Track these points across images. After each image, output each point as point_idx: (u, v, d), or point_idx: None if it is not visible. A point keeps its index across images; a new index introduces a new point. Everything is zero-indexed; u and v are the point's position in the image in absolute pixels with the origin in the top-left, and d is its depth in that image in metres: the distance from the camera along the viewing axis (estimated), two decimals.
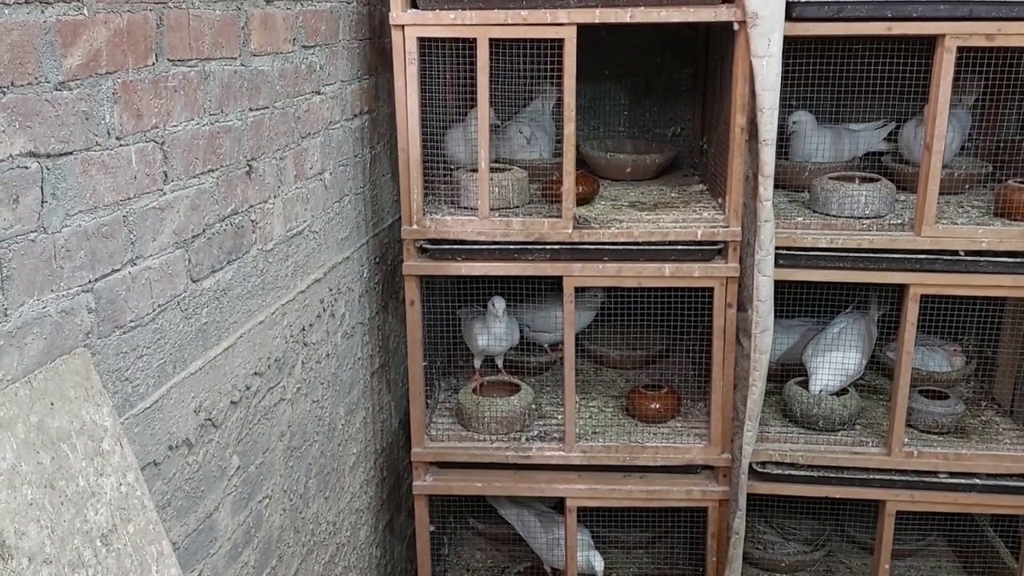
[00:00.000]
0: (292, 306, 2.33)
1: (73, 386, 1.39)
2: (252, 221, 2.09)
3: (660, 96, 3.75)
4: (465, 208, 2.88)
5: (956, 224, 2.79)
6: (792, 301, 3.21)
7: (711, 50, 3.29)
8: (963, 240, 2.74)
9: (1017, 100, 3.21)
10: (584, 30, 2.61)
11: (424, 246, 2.82)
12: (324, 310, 2.57)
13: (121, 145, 1.57)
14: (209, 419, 1.90)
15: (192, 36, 1.78)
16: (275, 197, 2.21)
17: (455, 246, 2.81)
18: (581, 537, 3.07)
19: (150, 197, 1.66)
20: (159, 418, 1.71)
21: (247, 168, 2.05)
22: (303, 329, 2.41)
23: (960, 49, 2.59)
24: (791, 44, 2.70)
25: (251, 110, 2.06)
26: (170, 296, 1.74)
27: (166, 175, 1.71)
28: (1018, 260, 2.73)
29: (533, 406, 3.08)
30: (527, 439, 3.00)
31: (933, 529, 3.46)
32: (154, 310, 1.68)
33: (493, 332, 3.08)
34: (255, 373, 2.12)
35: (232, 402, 2.00)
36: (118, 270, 1.57)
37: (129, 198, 1.60)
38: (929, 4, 2.56)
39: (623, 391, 3.32)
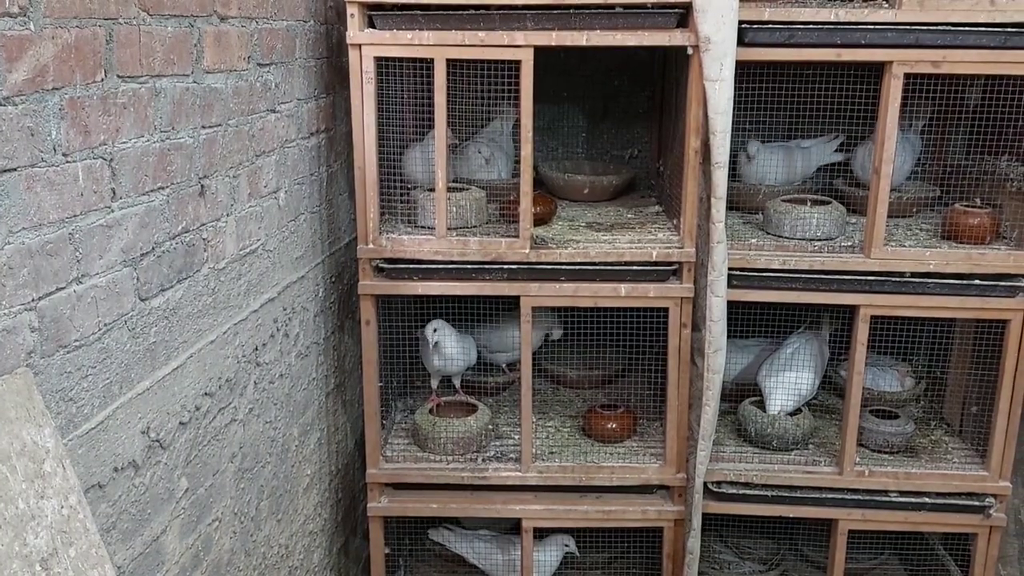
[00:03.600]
0: (244, 325, 2.31)
1: (14, 407, 1.37)
2: (204, 239, 2.07)
3: (618, 118, 3.78)
4: (422, 227, 2.88)
5: (904, 247, 2.84)
6: (746, 321, 3.25)
7: (668, 73, 3.33)
8: (911, 262, 2.80)
9: (964, 126, 3.27)
10: (542, 52, 2.63)
11: (380, 265, 2.81)
12: (278, 330, 2.55)
13: (68, 162, 1.55)
14: (157, 440, 1.87)
15: (143, 52, 1.77)
16: (228, 215, 2.20)
17: (412, 265, 2.80)
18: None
19: (97, 214, 1.64)
20: (104, 439, 1.68)
21: (199, 186, 2.03)
22: (256, 349, 2.39)
23: (908, 76, 2.65)
24: (745, 69, 2.75)
25: (204, 127, 2.04)
26: (117, 315, 1.72)
27: (114, 192, 1.69)
28: (963, 282, 2.79)
29: (490, 426, 3.07)
30: (483, 460, 2.99)
31: (885, 547, 3.49)
32: (100, 329, 1.66)
33: (447, 353, 3.07)
34: (205, 393, 2.09)
35: (181, 423, 1.98)
36: (63, 288, 1.55)
37: (75, 215, 1.58)
38: (877, 32, 2.61)
39: (580, 411, 3.32)
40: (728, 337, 2.86)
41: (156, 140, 1.83)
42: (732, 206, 3.19)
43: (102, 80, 1.64)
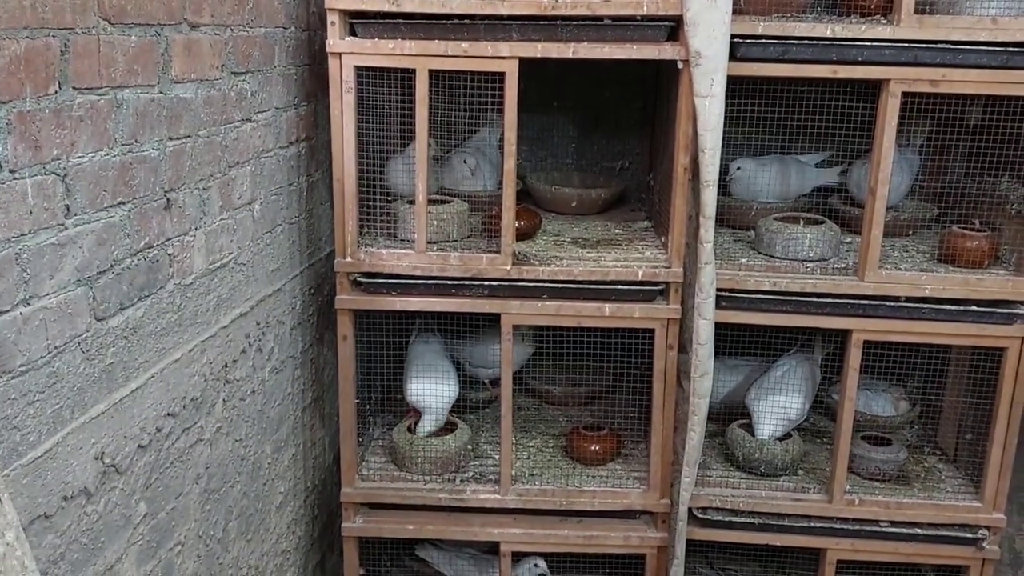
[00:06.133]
0: (213, 342, 2.23)
1: None
2: (169, 254, 1.99)
3: (609, 129, 3.70)
4: (403, 240, 2.80)
5: (900, 270, 2.76)
6: (736, 340, 3.17)
7: (661, 84, 3.25)
8: (906, 286, 2.71)
9: (963, 144, 3.19)
10: (530, 60, 2.55)
11: (358, 279, 2.73)
12: (250, 345, 2.47)
13: (15, 179, 1.47)
14: (112, 465, 1.79)
15: (103, 63, 1.69)
16: (197, 229, 2.12)
17: (390, 280, 2.72)
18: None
19: (48, 233, 1.56)
20: (52, 467, 1.60)
21: (164, 200, 1.96)
22: (225, 366, 2.31)
23: (905, 94, 2.57)
24: (737, 84, 2.67)
25: (170, 139, 1.96)
26: (69, 337, 1.64)
27: (68, 209, 1.61)
28: (960, 308, 2.71)
29: (469, 446, 2.99)
30: (462, 480, 2.91)
31: None
32: (49, 352, 1.58)
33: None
34: (168, 414, 2.01)
35: (140, 446, 1.90)
36: (7, 311, 1.47)
37: (23, 234, 1.50)
38: (874, 49, 2.53)
39: (564, 430, 3.24)
40: (717, 356, 2.79)
41: (116, 154, 1.76)
42: (723, 222, 3.11)
43: (55, 93, 1.56)
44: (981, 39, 2.53)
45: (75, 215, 1.64)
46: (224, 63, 2.21)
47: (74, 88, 1.61)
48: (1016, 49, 2.53)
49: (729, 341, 3.13)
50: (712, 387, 2.80)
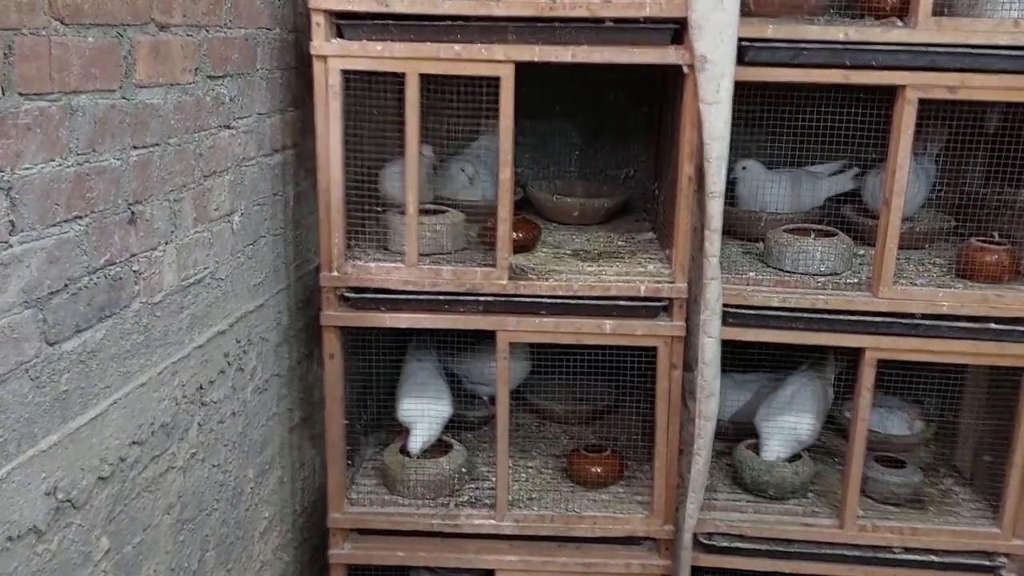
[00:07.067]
0: (186, 363, 2.10)
1: None
2: (135, 271, 1.87)
3: (613, 135, 3.56)
4: (395, 253, 2.67)
5: (915, 285, 2.62)
6: (745, 356, 3.03)
7: (667, 88, 3.11)
8: (922, 303, 2.57)
9: (982, 152, 3.04)
10: (528, 64, 2.42)
11: (346, 295, 2.60)
12: (229, 364, 2.34)
13: None
14: (67, 500, 1.67)
15: (54, 66, 1.57)
16: (167, 243, 1.99)
17: (379, 295, 2.59)
18: None
19: None
20: None
21: (129, 213, 1.83)
22: (200, 388, 2.18)
23: (922, 100, 2.43)
24: (745, 90, 2.53)
25: (135, 148, 1.84)
26: (15, 364, 1.51)
27: (13, 225, 1.49)
28: (978, 325, 2.56)
29: (464, 468, 2.85)
30: (456, 505, 2.78)
31: None
32: None
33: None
34: (133, 442, 1.88)
35: (100, 478, 1.77)
36: None
37: None
38: (889, 53, 2.39)
39: (565, 449, 3.11)
40: (726, 372, 2.65)
41: (71, 164, 1.63)
42: (731, 233, 2.97)
43: None
44: (1002, 43, 2.38)
45: (21, 231, 1.51)
46: (198, 66, 2.08)
47: (20, 94, 1.48)
48: None
49: (737, 357, 2.99)
50: (719, 406, 2.66)
